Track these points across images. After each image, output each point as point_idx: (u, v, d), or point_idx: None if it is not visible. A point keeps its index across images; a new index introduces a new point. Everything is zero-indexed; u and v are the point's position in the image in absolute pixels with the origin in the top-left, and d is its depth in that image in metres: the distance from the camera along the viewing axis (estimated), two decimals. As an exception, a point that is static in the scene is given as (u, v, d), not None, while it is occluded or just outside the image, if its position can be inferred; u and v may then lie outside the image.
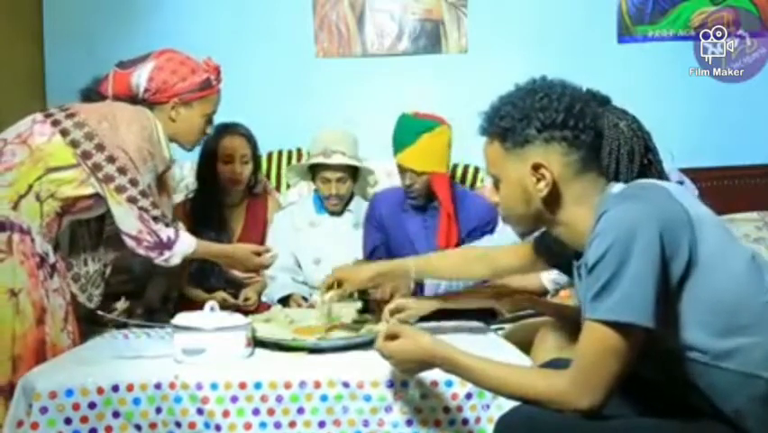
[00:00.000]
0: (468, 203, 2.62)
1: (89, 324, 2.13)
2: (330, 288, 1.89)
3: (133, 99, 2.14)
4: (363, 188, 2.92)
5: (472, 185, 3.18)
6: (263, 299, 2.72)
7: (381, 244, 2.68)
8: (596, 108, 1.41)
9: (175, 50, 2.20)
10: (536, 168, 1.35)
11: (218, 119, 2.34)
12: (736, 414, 1.27)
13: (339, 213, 2.84)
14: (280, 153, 3.31)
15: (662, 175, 1.73)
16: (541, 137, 1.35)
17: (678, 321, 1.25)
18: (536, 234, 1.67)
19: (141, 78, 2.13)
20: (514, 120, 1.36)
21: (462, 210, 2.60)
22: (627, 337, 1.21)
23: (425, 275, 1.96)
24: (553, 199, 1.37)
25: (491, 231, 2.60)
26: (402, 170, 2.58)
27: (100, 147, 1.98)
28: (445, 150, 2.59)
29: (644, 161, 1.64)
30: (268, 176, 3.23)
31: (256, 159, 2.89)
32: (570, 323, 1.87)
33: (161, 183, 2.15)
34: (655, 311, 1.20)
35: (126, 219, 2.00)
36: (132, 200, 1.99)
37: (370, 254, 2.68)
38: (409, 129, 2.56)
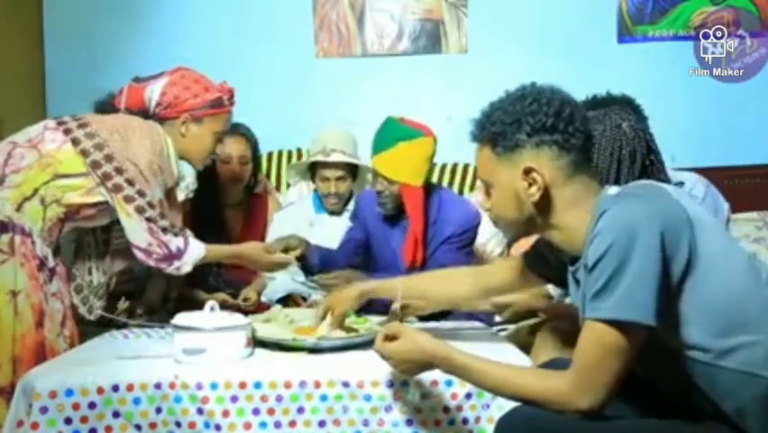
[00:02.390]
0: (447, 210, 2.42)
1: (89, 324, 2.13)
2: (323, 318, 1.84)
3: (145, 113, 2.14)
4: (362, 187, 2.91)
5: (472, 186, 3.18)
6: (263, 299, 2.72)
7: (360, 240, 2.56)
8: (585, 112, 1.40)
9: (190, 69, 2.21)
10: (527, 172, 1.35)
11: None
12: (738, 414, 1.27)
13: (338, 212, 2.84)
14: (280, 153, 3.31)
15: (664, 176, 1.73)
16: (531, 141, 1.35)
17: (678, 320, 1.25)
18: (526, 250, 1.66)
19: (153, 92, 2.13)
20: (504, 125, 1.36)
21: (440, 217, 2.41)
22: (629, 336, 1.21)
23: (411, 295, 1.89)
24: (545, 204, 1.37)
25: (467, 240, 2.44)
26: (375, 174, 2.43)
27: (109, 158, 1.99)
28: (422, 162, 2.38)
29: (647, 162, 1.64)
30: (268, 176, 3.23)
31: (256, 159, 2.89)
32: (570, 323, 1.87)
33: (169, 198, 2.15)
34: (657, 309, 1.20)
35: (136, 232, 2.00)
36: (140, 210, 1.99)
37: (342, 246, 2.57)
38: (389, 133, 2.41)
